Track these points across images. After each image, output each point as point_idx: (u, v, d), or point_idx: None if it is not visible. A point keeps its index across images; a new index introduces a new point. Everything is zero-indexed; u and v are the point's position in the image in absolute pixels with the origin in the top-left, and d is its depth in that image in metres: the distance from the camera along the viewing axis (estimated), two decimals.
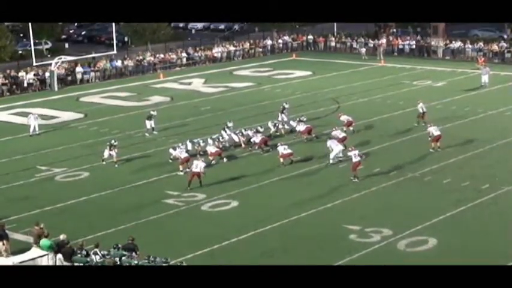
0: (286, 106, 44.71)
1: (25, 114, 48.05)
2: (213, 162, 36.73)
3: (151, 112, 44.35)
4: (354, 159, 34.06)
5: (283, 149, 36.65)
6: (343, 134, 39.17)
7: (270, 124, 41.96)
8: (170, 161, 36.92)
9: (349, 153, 34.74)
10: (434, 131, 38.10)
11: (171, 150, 37.06)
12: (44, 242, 25.04)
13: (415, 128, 42.39)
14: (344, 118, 42.17)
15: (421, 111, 43.50)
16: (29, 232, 27.01)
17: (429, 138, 38.32)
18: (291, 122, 42.32)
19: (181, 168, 35.66)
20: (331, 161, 36.34)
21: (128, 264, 23.24)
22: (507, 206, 30.57)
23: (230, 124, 40.67)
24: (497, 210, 30.14)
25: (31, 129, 44.13)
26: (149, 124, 43.23)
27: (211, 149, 37.40)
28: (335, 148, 36.45)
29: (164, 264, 22.76)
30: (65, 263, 23.86)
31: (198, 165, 33.71)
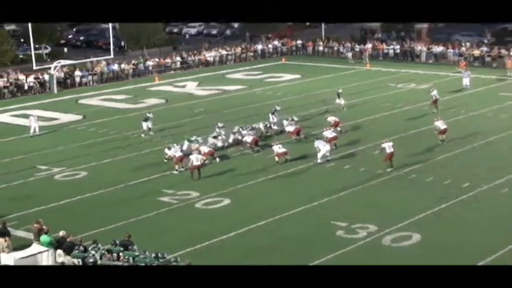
0: (278, 108, 44.78)
1: (26, 116, 48.08)
2: (206, 162, 36.69)
3: (148, 114, 44.38)
4: (388, 150, 34.72)
5: (278, 148, 36.81)
6: (334, 134, 39.34)
7: (261, 125, 42.00)
8: (165, 160, 36.90)
9: (382, 145, 35.20)
10: (441, 125, 39.16)
11: (166, 150, 37.08)
12: (44, 238, 25.06)
13: (401, 128, 42.52)
14: (331, 119, 42.28)
15: (435, 97, 46.81)
16: (30, 229, 27.03)
17: (435, 132, 39.20)
18: (284, 122, 42.31)
19: (176, 168, 35.69)
20: (319, 161, 36.41)
21: (129, 256, 23.29)
22: (487, 203, 30.68)
23: (220, 125, 40.89)
24: (477, 207, 30.25)
25: (31, 130, 44.14)
26: (145, 125, 43.26)
27: (204, 148, 37.42)
28: (322, 148, 36.53)
29: (161, 260, 22.79)
30: (66, 258, 23.82)
31: (199, 158, 34.35)
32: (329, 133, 39.25)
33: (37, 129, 44.32)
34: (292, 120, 42.26)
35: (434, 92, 47.48)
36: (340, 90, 49.81)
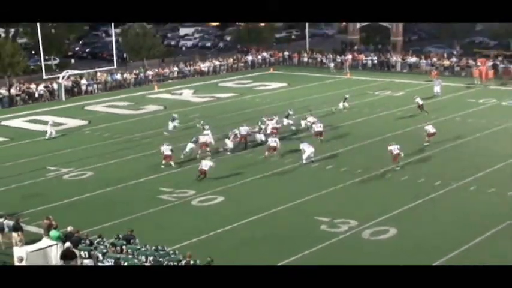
0: (291, 112, 45.22)
1: (37, 122, 48.49)
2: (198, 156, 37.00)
3: (174, 115, 45.29)
4: (394, 152, 35.39)
5: (271, 141, 37.78)
6: (321, 129, 40.73)
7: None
8: (182, 157, 37.25)
9: (389, 148, 35.72)
10: (430, 129, 39.66)
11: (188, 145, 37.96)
12: (53, 233, 24.99)
13: (378, 131, 42.56)
14: (311, 119, 42.98)
15: (419, 103, 47.77)
16: (40, 224, 26.96)
17: (425, 134, 39.49)
18: (301, 121, 43.63)
19: (172, 164, 36.30)
20: (304, 161, 36.40)
21: (132, 249, 23.22)
22: (456, 200, 30.75)
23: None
24: (447, 204, 30.31)
25: (48, 134, 44.27)
26: (172, 125, 43.85)
27: (203, 138, 38.59)
28: (307, 150, 36.57)
29: (161, 252, 22.73)
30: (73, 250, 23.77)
31: (208, 165, 34.05)
32: (317, 126, 40.91)
33: (53, 133, 44.41)
34: (305, 118, 43.61)
35: (418, 99, 48.33)
36: (347, 96, 50.82)
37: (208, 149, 38.37)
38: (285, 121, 43.94)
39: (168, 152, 36.43)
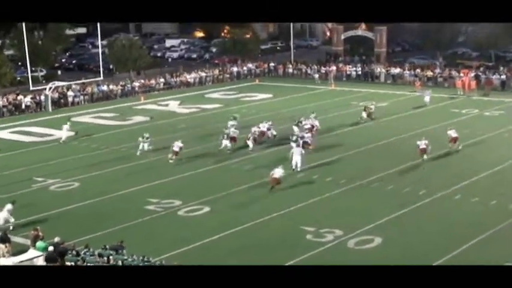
0: (313, 116, 46.14)
1: (23, 133, 48.38)
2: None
3: (234, 115, 47.49)
4: (421, 147, 37.64)
5: (306, 139, 40.39)
6: (309, 125, 43.13)
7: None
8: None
9: (418, 142, 38.03)
10: (452, 133, 40.21)
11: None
12: (40, 244, 24.86)
13: (362, 141, 42.65)
14: (306, 121, 44.62)
15: (371, 109, 50.37)
16: (27, 235, 26.78)
17: (448, 140, 40.00)
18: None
19: (170, 156, 39.08)
20: (293, 168, 36.40)
21: (118, 259, 23.11)
22: (441, 209, 30.80)
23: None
24: (432, 213, 30.36)
25: (63, 138, 45.41)
26: (230, 124, 44.51)
27: (232, 132, 41.57)
28: (294, 157, 36.60)
29: (146, 263, 22.63)
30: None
31: (280, 172, 33.86)
32: (307, 124, 43.44)
33: (63, 137, 45.39)
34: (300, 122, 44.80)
35: (372, 106, 51.22)
36: (372, 106, 51.63)
37: (229, 145, 41.01)
38: (310, 120, 45.02)
39: (176, 149, 39.00)
